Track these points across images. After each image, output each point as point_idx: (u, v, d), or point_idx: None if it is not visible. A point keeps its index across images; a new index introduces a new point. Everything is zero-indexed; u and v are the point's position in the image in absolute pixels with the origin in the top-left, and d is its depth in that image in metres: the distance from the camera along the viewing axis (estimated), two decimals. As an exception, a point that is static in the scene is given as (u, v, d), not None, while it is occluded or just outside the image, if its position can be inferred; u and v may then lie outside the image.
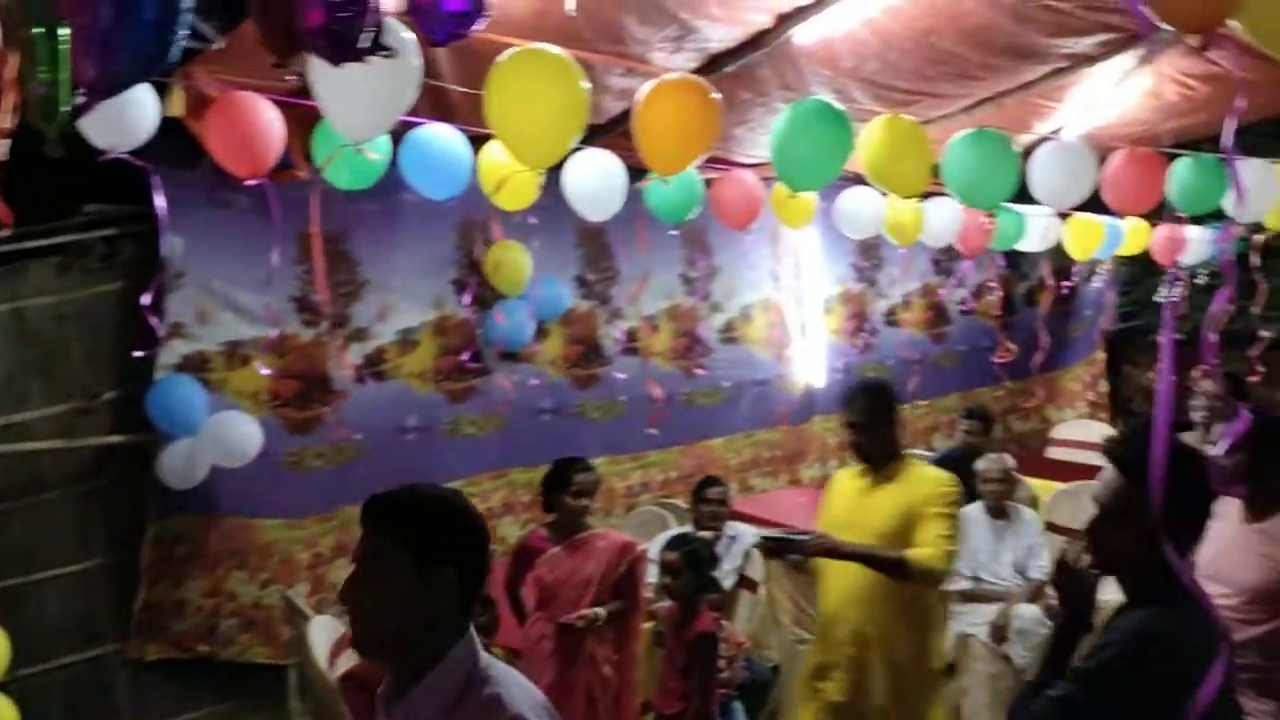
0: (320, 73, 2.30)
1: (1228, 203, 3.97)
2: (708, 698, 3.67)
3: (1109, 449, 2.24)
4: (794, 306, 7.07)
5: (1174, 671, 1.95)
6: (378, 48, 1.83)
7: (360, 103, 2.42)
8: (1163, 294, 7.86)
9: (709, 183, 4.49)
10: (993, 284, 7.37)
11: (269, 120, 3.21)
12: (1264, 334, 4.68)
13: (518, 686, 1.71)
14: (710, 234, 6.42)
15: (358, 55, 1.79)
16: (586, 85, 2.78)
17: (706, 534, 4.79)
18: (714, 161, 5.05)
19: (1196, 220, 5.97)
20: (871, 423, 3.47)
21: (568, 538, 3.94)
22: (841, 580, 3.43)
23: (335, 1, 1.70)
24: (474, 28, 1.89)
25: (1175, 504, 1.95)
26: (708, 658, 3.68)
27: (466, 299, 5.20)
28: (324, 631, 4.34)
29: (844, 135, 3.22)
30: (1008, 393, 8.43)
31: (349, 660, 3.86)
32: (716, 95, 3.13)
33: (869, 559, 3.28)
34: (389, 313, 5.28)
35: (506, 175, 3.42)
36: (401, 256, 5.30)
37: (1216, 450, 3.27)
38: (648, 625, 4.30)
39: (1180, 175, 3.89)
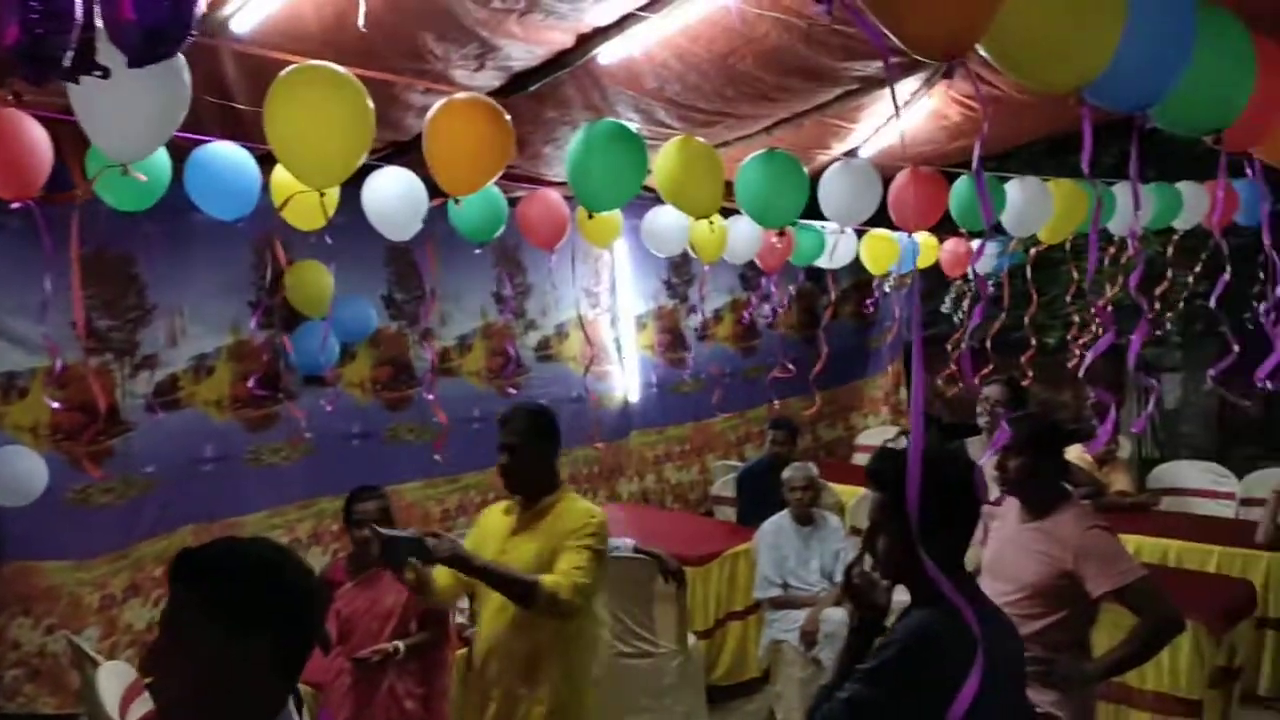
0: (80, 91, 2.16)
1: (1006, 218, 4.21)
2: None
3: (868, 467, 2.33)
4: (608, 323, 7.12)
5: (946, 670, 2.03)
6: (87, 67, 1.65)
7: (125, 122, 2.28)
8: (947, 306, 8.31)
9: (515, 201, 4.47)
10: (784, 301, 7.61)
11: (35, 138, 3.01)
12: (1035, 341, 4.96)
13: None
14: (522, 252, 6.41)
15: (66, 75, 1.64)
16: (370, 104, 2.71)
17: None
18: (523, 180, 5.05)
19: (980, 234, 6.33)
20: (524, 446, 3.20)
21: (363, 570, 3.83)
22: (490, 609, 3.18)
23: (32, 18, 1.55)
24: (175, 48, 1.74)
25: (931, 512, 1.93)
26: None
27: (254, 322, 5.01)
28: (114, 677, 4.06)
29: (637, 156, 3.25)
30: (810, 403, 8.70)
31: (142, 707, 3.64)
32: (507, 117, 3.10)
33: (499, 578, 2.95)
34: (181, 338, 5.03)
35: (291, 194, 3.29)
36: (194, 278, 5.06)
37: (986, 456, 3.44)
38: (462, 653, 4.23)
39: (960, 193, 4.10)
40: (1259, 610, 5.33)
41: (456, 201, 3.10)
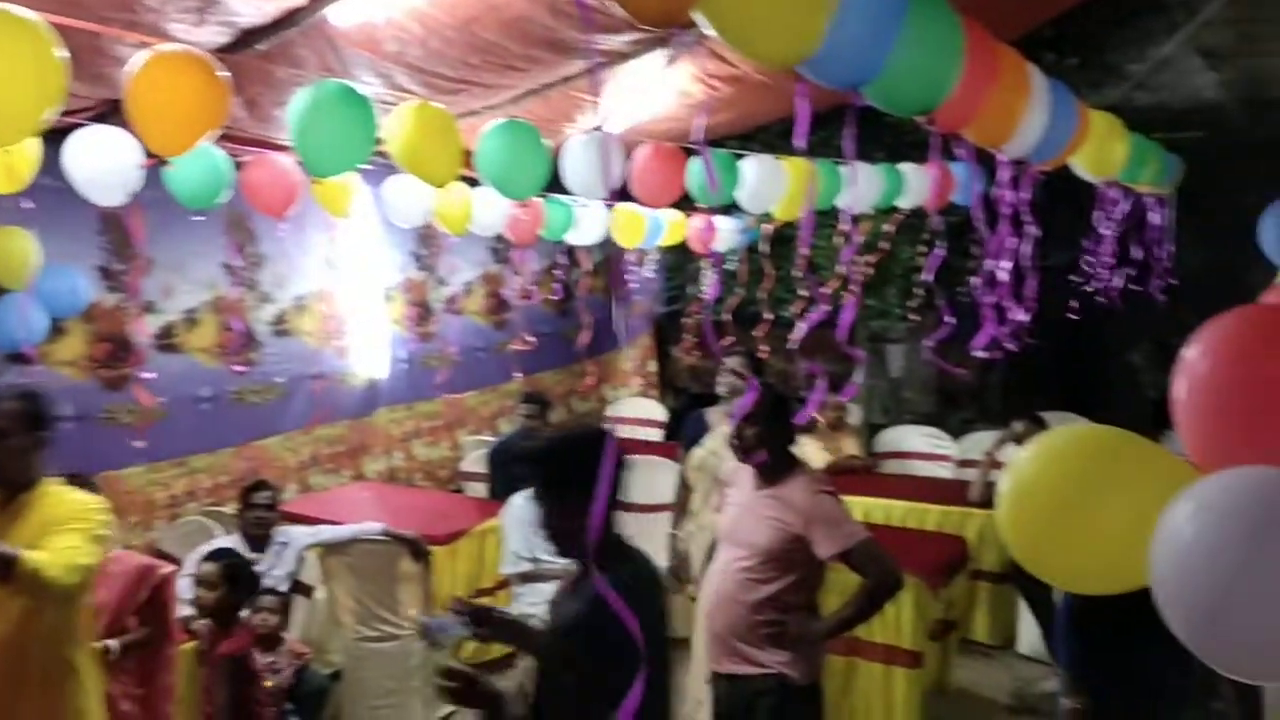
0: None
1: (741, 195, 4.32)
2: (246, 716, 3.43)
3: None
4: (352, 296, 6.85)
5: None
6: None
7: None
8: (703, 284, 8.52)
9: (240, 165, 4.20)
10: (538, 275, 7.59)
11: None
12: (769, 316, 5.13)
13: None
14: (255, 220, 6.06)
15: None
16: (60, 53, 2.43)
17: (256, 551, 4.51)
18: (253, 143, 4.75)
19: (724, 211, 6.50)
20: (14, 434, 2.79)
21: None
22: None
23: None
24: None
25: (581, 485, 2.15)
26: (233, 679, 3.44)
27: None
28: None
29: (365, 120, 3.10)
30: (569, 375, 8.75)
31: None
32: (222, 72, 2.88)
33: None
34: None
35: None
36: None
37: (729, 424, 3.53)
38: (188, 647, 3.98)
39: (698, 169, 4.17)
40: (972, 564, 5.76)
41: (166, 163, 2.85)
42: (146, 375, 5.14)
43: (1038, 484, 1.45)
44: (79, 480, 3.57)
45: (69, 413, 5.22)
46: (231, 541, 4.62)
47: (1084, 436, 1.50)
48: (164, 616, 3.65)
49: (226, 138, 4.18)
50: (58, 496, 2.86)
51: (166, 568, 3.78)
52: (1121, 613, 2.31)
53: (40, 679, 2.76)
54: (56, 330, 5.08)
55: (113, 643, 3.42)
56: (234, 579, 3.56)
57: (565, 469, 2.32)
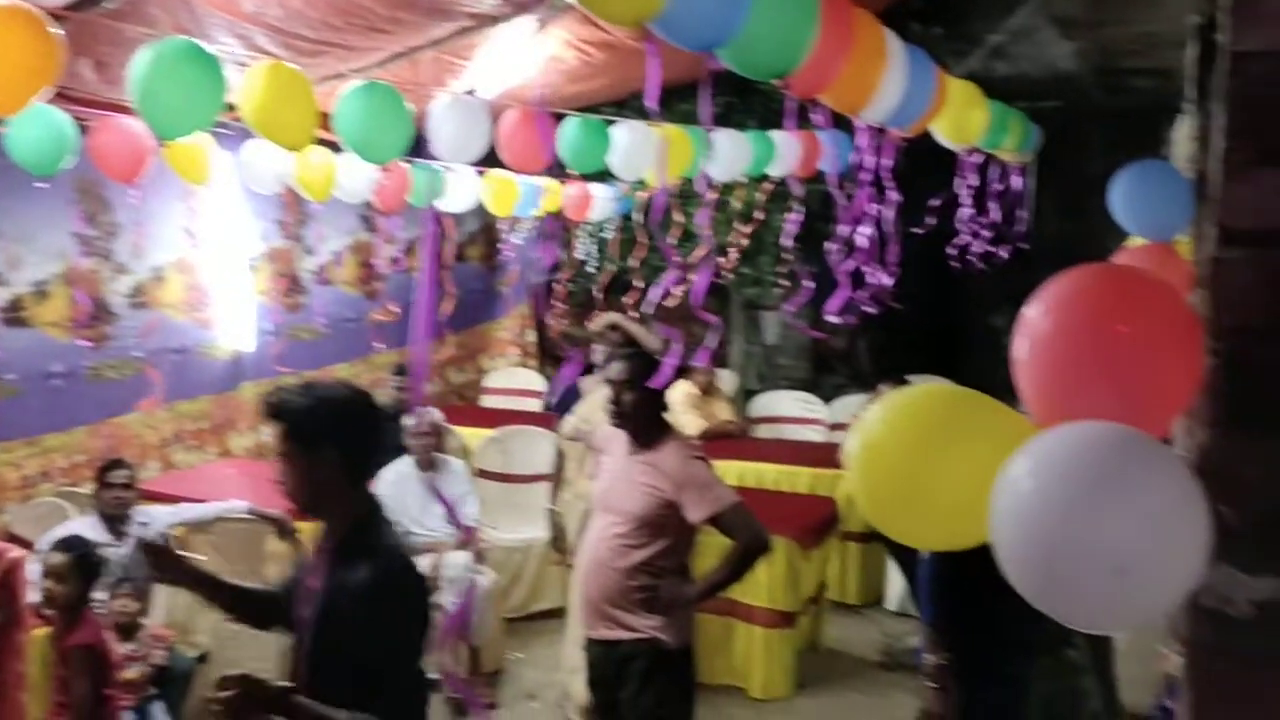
0: None
1: (612, 161, 4.30)
2: (100, 705, 3.29)
3: (267, 402, 2.33)
4: (214, 266, 6.60)
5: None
6: None
7: None
8: (581, 249, 8.48)
9: (88, 130, 3.98)
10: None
11: None
12: (640, 284, 5.12)
13: None
14: (107, 187, 5.77)
15: None
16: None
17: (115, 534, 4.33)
18: (102, 106, 4.51)
19: (599, 179, 6.45)
20: None
21: None
22: None
23: None
24: None
25: (347, 451, 2.28)
26: (89, 670, 3.30)
27: None
28: None
29: (212, 79, 2.96)
30: (442, 346, 8.61)
31: None
32: (53, 29, 2.71)
33: None
34: None
35: None
36: None
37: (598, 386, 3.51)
38: (41, 633, 3.80)
39: (568, 135, 4.13)
40: (843, 525, 5.89)
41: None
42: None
43: (883, 443, 1.47)
44: None
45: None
46: (88, 523, 4.43)
47: (928, 395, 1.52)
48: (14, 602, 3.49)
49: (73, 100, 3.97)
50: None
51: (16, 551, 3.61)
52: (978, 569, 2.39)
53: None
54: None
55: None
56: (84, 570, 3.40)
57: (316, 424, 2.26)
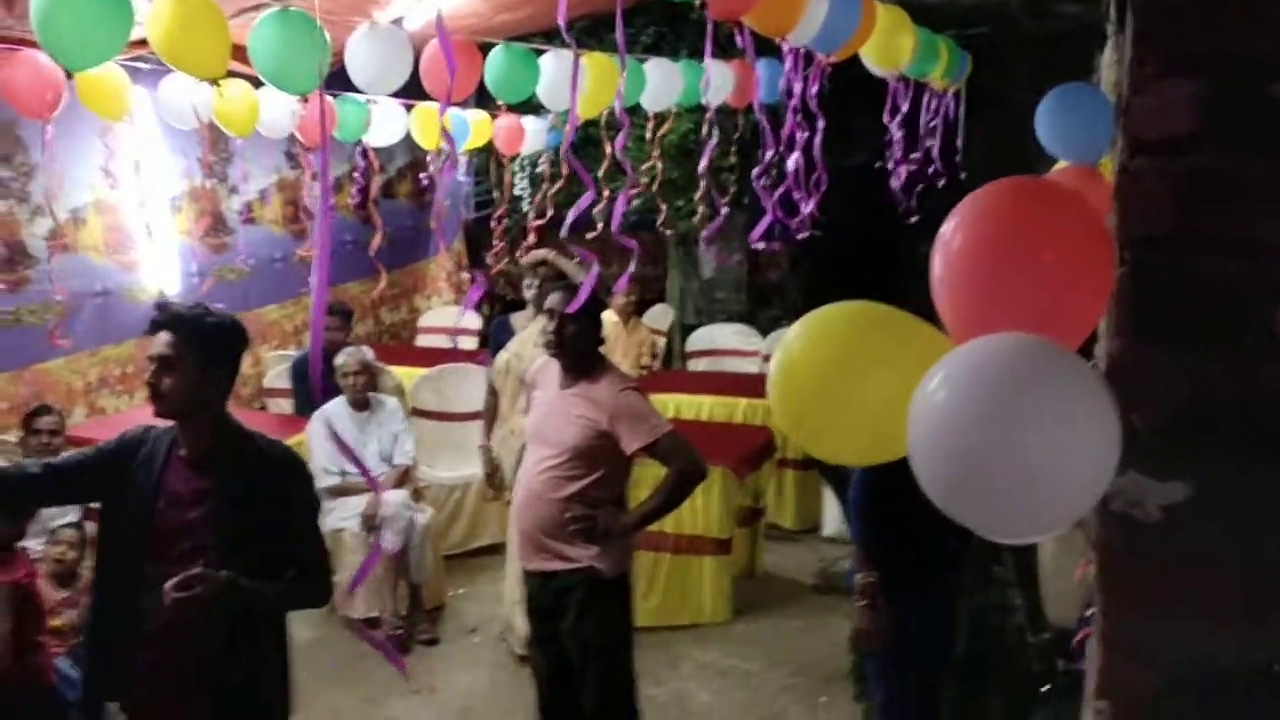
0: None
1: (541, 91, 4.23)
2: (31, 648, 3.25)
3: (153, 320, 2.49)
4: (136, 207, 6.42)
5: None
6: None
7: None
8: (520, 185, 8.38)
9: (-6, 64, 3.82)
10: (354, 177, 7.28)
11: None
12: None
13: None
14: (21, 126, 5.57)
15: None
16: None
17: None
18: (13, 41, 4.33)
19: (530, 111, 6.35)
20: None
21: None
22: None
23: None
24: None
25: (232, 372, 2.54)
26: (12, 609, 3.25)
27: None
28: None
29: (118, 6, 2.84)
30: (373, 285, 8.50)
31: None
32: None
33: None
34: None
35: None
36: None
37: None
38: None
39: (495, 65, 4.05)
40: (779, 453, 5.96)
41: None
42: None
43: (802, 360, 1.48)
44: None
45: None
46: (11, 471, 4.33)
47: (846, 313, 1.52)
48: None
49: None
50: None
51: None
52: (902, 484, 2.43)
53: None
54: None
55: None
56: (11, 509, 3.32)
57: (217, 340, 2.49)
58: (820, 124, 4.10)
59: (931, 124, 6.54)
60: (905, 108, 5.73)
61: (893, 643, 3.01)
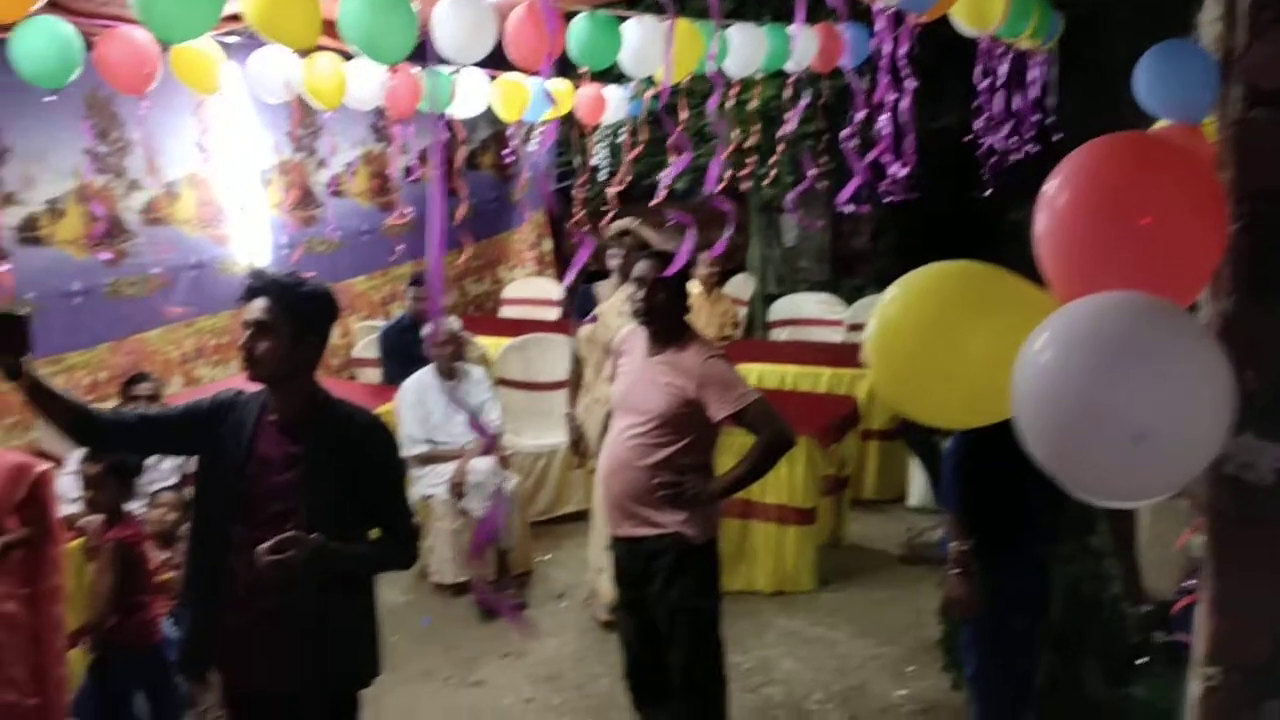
0: None
1: (624, 58, 4.20)
2: (136, 607, 3.37)
3: (249, 286, 2.55)
4: (227, 180, 6.57)
5: None
6: None
7: None
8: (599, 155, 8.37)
9: (94, 42, 3.92)
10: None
11: None
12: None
13: None
14: (118, 102, 5.74)
15: None
16: None
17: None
18: (108, 18, 4.45)
19: (612, 79, 6.34)
20: None
21: None
22: None
23: None
24: None
25: (324, 340, 2.59)
26: (119, 565, 3.37)
27: None
28: None
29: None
30: (456, 257, 8.59)
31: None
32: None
33: None
34: None
35: None
36: None
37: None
38: (75, 544, 3.87)
39: (578, 32, 4.04)
40: (863, 424, 5.91)
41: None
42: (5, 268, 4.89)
43: (903, 319, 1.46)
44: None
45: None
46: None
47: (946, 272, 1.50)
48: (45, 515, 3.52)
49: (75, 12, 3.90)
50: None
51: (43, 465, 3.63)
52: (1002, 451, 2.39)
53: None
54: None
55: (-9, 543, 3.31)
56: (119, 475, 3.45)
57: (313, 309, 2.55)
58: (910, 85, 4.02)
59: (1021, 86, 6.38)
60: (996, 69, 5.60)
61: (986, 612, 2.97)
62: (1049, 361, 1.28)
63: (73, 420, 2.50)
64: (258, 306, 2.48)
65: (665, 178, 2.47)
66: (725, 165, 6.87)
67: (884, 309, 1.48)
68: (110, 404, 5.35)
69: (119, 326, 5.91)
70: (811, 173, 4.44)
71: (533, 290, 8.97)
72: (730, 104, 5.74)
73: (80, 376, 5.73)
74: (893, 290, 1.51)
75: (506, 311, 8.85)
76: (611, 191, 5.35)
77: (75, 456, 4.29)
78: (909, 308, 1.47)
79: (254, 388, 2.60)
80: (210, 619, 2.56)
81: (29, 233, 5.47)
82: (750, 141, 6.49)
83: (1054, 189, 1.42)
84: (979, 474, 2.94)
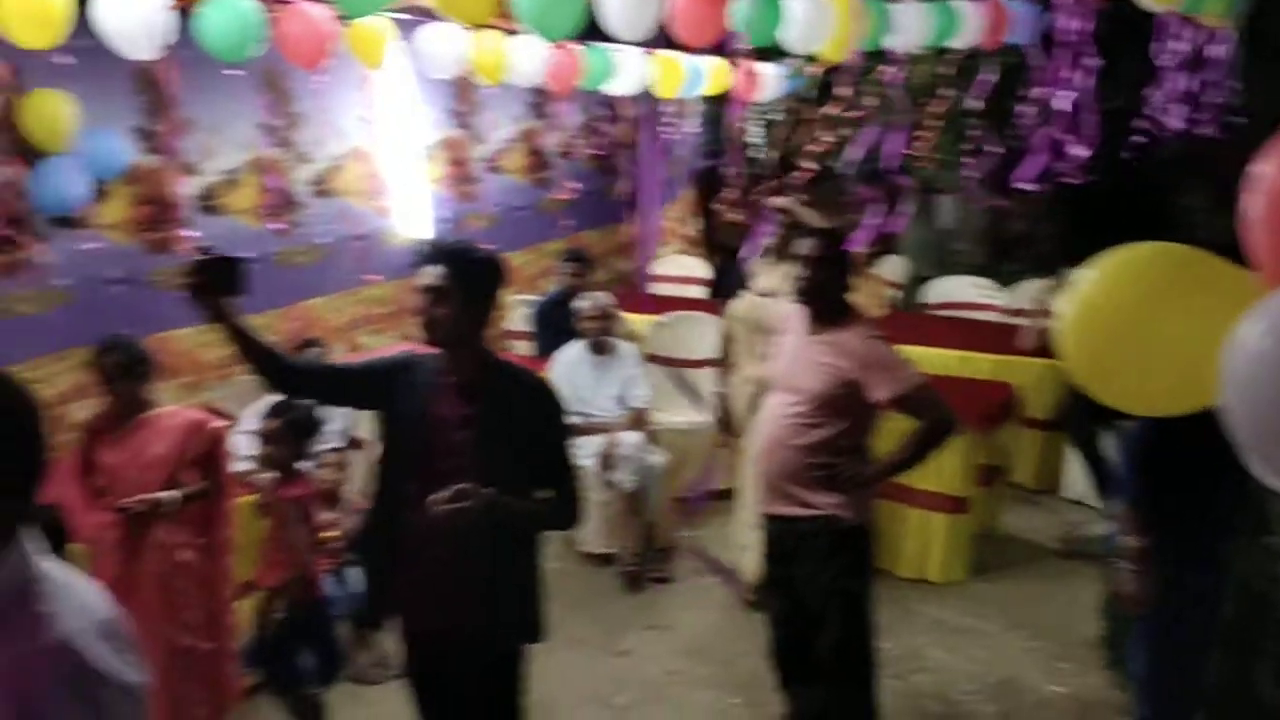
0: None
1: (788, 34, 4.14)
2: (306, 562, 3.52)
3: (425, 252, 2.66)
4: (390, 155, 6.77)
5: None
6: None
7: None
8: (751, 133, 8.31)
9: (273, 19, 4.08)
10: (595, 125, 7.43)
11: None
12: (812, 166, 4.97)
13: (77, 602, 1.39)
14: (290, 77, 5.96)
15: None
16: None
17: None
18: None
19: (768, 57, 6.27)
20: None
21: (126, 420, 3.58)
22: None
23: None
24: None
25: (494, 305, 2.67)
26: (303, 523, 3.52)
27: (-4, 157, 4.49)
28: None
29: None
30: (607, 234, 8.67)
31: None
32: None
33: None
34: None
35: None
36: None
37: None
38: (246, 500, 4.07)
39: (741, 6, 4.00)
40: (1021, 412, 5.73)
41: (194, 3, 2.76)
42: (192, 235, 5.15)
43: (1100, 301, 1.40)
44: (103, 348, 3.59)
45: (117, 276, 5.27)
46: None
47: (1150, 253, 1.43)
48: (219, 470, 3.72)
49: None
50: None
51: (220, 422, 3.83)
52: (1190, 445, 2.28)
53: None
54: (99, 193, 5.07)
55: (172, 494, 3.50)
56: (296, 431, 3.60)
57: (484, 275, 2.65)
58: (1091, 64, 3.86)
59: (1203, 64, 6.04)
60: (1175, 47, 5.32)
61: (1159, 610, 2.85)
62: (1265, 347, 1.21)
63: (269, 364, 2.62)
64: (433, 273, 2.59)
65: (853, 151, 2.41)
66: (893, 142, 6.74)
67: (1081, 292, 1.43)
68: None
69: (287, 293, 6.16)
70: (990, 150, 4.30)
71: (680, 268, 8.97)
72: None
73: (251, 339, 5.98)
74: (1089, 272, 1.46)
75: (652, 288, 8.88)
76: (802, 170, 5.29)
77: (248, 416, 4.51)
78: (1108, 291, 1.41)
79: (425, 351, 2.71)
80: (388, 570, 2.71)
81: (207, 201, 5.73)
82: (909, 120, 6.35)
83: (1268, 168, 1.34)
84: (1162, 466, 2.81)
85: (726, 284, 5.44)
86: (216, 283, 2.46)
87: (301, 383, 2.81)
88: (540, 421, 2.69)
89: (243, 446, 4.29)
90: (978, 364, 5.99)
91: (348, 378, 2.90)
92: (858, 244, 5.26)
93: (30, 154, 4.67)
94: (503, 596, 2.69)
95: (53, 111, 4.53)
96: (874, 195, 2.70)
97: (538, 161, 8.04)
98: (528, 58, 4.82)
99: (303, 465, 3.73)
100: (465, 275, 2.59)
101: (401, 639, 2.84)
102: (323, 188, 6.40)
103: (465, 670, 2.75)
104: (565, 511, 2.77)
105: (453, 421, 2.62)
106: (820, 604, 3.33)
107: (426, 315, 2.60)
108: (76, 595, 1.42)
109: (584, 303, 5.41)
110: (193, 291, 2.46)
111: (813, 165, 4.85)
